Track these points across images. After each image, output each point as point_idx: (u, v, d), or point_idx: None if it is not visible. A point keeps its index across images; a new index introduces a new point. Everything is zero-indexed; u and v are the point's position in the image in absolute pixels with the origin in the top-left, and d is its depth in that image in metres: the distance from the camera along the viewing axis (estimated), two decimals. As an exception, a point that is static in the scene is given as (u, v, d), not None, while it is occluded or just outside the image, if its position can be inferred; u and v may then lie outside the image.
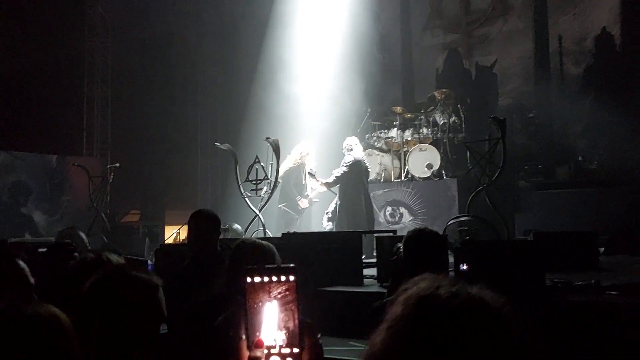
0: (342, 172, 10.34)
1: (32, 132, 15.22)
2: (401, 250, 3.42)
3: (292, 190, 10.92)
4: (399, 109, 13.11)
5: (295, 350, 1.40)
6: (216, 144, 11.46)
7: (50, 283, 3.77)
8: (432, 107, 12.99)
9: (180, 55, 17.31)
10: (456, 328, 1.16)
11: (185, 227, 4.58)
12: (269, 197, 10.23)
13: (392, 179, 12.50)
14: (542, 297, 5.35)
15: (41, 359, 1.54)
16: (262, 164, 10.29)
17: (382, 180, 12.45)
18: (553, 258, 6.61)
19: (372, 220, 10.54)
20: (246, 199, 10.25)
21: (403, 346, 1.19)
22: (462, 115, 12.63)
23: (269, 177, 10.22)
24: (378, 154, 12.62)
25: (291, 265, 1.43)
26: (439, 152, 11.95)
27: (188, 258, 4.43)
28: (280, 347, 1.41)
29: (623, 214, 10.28)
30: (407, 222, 11.71)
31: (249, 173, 10.31)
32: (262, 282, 1.41)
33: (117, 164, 13.25)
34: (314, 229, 11.22)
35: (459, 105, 12.83)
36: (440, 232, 7.39)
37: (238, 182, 10.33)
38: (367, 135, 13.02)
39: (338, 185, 10.54)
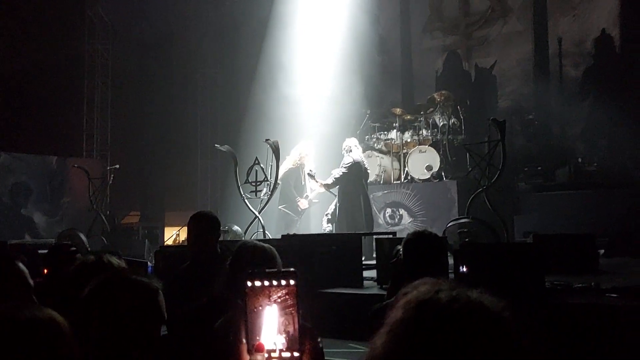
0: (342, 174, 10.33)
1: (32, 133, 15.23)
2: (401, 252, 3.42)
3: (292, 191, 10.91)
4: (398, 111, 13.11)
5: (296, 354, 1.41)
6: (216, 145, 11.46)
7: (51, 284, 3.77)
8: (431, 109, 12.99)
9: (180, 56, 17.31)
10: (456, 332, 1.16)
11: (185, 229, 4.57)
12: (269, 199, 10.22)
13: (392, 181, 12.50)
14: (541, 300, 5.35)
15: None
16: (261, 165, 10.28)
17: (381, 181, 12.45)
18: (552, 260, 6.62)
19: (371, 222, 10.52)
20: (246, 200, 10.25)
21: (403, 350, 1.19)
22: (462, 117, 12.64)
23: (269, 178, 10.22)
24: (378, 156, 12.62)
25: (291, 269, 1.43)
26: (439, 153, 11.94)
27: (188, 260, 4.43)
28: (281, 351, 1.41)
29: (622, 216, 10.28)
30: (406, 224, 11.71)
31: (248, 175, 10.30)
32: (262, 286, 1.41)
33: (117, 166, 13.26)
34: (313, 230, 11.22)
35: (458, 107, 12.83)
36: (440, 234, 7.42)
37: (238, 184, 10.32)
38: (366, 136, 13.02)
39: (337, 187, 10.53)
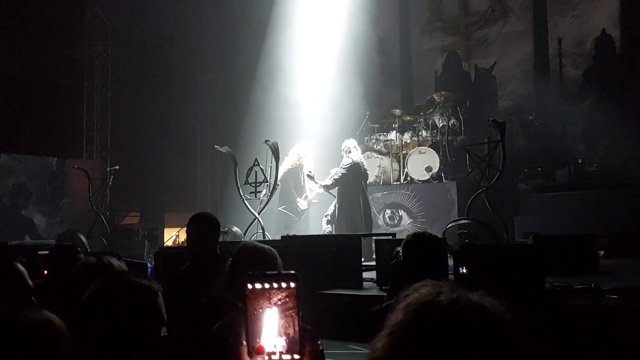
0: (341, 175, 10.33)
1: (32, 134, 15.24)
2: (400, 254, 3.41)
3: (292, 192, 10.91)
4: (398, 112, 13.11)
5: (296, 356, 1.40)
6: (215, 146, 11.46)
7: (52, 285, 3.77)
8: (431, 110, 12.99)
9: (179, 57, 17.32)
10: (457, 334, 1.16)
11: (185, 230, 4.57)
12: (268, 200, 10.23)
13: (391, 182, 12.50)
14: (541, 301, 5.34)
15: None
16: (261, 166, 10.29)
17: (381, 182, 12.45)
18: (553, 261, 6.62)
19: (370, 223, 10.52)
20: (245, 201, 10.25)
21: (404, 352, 1.19)
22: (462, 118, 12.64)
23: (268, 179, 10.23)
24: (377, 157, 12.62)
25: (292, 272, 1.43)
26: (438, 154, 11.94)
27: (188, 261, 4.42)
28: (281, 353, 1.41)
29: (623, 216, 10.28)
30: (406, 225, 11.70)
31: (248, 176, 10.30)
32: (262, 288, 1.41)
33: (117, 167, 13.25)
34: (312, 231, 11.22)
35: (458, 108, 12.83)
36: (440, 235, 7.42)
37: (237, 185, 10.32)
38: (366, 137, 13.02)
39: (337, 188, 10.53)
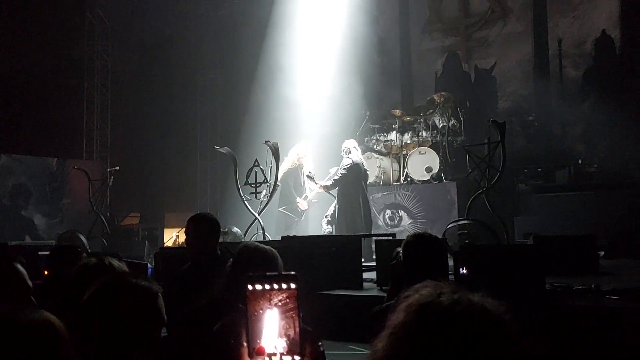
0: (341, 175, 10.33)
1: (32, 135, 15.24)
2: (400, 254, 3.42)
3: (292, 192, 10.91)
4: (398, 112, 13.11)
5: (297, 357, 1.40)
6: (215, 147, 11.46)
7: (52, 286, 3.77)
8: (431, 110, 12.99)
9: (179, 58, 17.32)
10: (457, 335, 1.17)
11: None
12: (268, 200, 10.23)
13: (391, 182, 12.50)
14: (542, 301, 5.34)
15: None
16: (261, 167, 10.29)
17: (381, 183, 12.45)
18: (553, 262, 6.62)
19: (369, 224, 10.52)
20: (245, 202, 10.25)
21: (405, 353, 1.19)
22: (462, 119, 12.64)
23: (268, 180, 10.23)
24: (377, 157, 12.62)
25: (292, 273, 1.43)
26: (438, 155, 11.95)
27: (188, 261, 4.42)
28: (281, 354, 1.41)
29: (623, 217, 10.28)
30: (406, 225, 11.70)
31: (248, 176, 10.31)
32: (263, 289, 1.41)
33: (117, 167, 13.25)
34: (312, 231, 11.21)
35: (458, 109, 12.83)
36: (440, 236, 7.42)
37: (237, 186, 10.33)
38: (366, 138, 13.02)
39: (337, 188, 10.54)
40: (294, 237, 8.90)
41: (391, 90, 15.70)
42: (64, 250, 4.37)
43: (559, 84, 13.97)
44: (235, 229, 11.94)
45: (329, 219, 10.87)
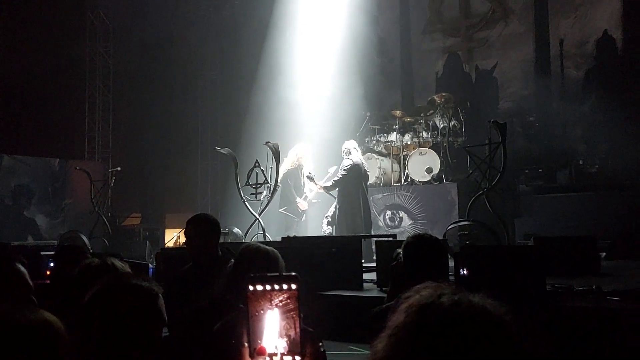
0: (341, 176, 10.34)
1: (34, 136, 15.27)
2: (401, 255, 3.42)
3: (292, 192, 10.92)
4: (398, 113, 13.12)
5: (297, 358, 1.41)
6: (216, 148, 11.48)
7: (55, 286, 3.78)
8: (431, 111, 12.99)
9: (180, 58, 17.33)
10: (458, 336, 1.17)
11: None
12: (269, 201, 10.24)
13: (392, 183, 12.50)
14: (542, 303, 5.34)
15: None
16: (262, 168, 10.29)
17: (381, 184, 12.46)
18: (554, 263, 6.61)
19: (369, 225, 10.53)
20: (246, 202, 10.26)
21: (405, 354, 1.20)
22: (462, 119, 12.63)
23: (269, 181, 10.23)
24: (377, 158, 12.63)
25: (293, 273, 1.44)
26: (439, 156, 11.95)
27: (189, 262, 4.43)
28: (282, 355, 1.41)
29: (624, 217, 10.27)
30: (406, 226, 11.71)
31: (248, 177, 10.31)
32: (263, 290, 1.41)
33: (119, 168, 13.27)
34: (312, 232, 11.21)
35: (458, 109, 12.83)
36: (440, 237, 7.43)
37: (238, 186, 10.34)
38: (366, 139, 13.03)
39: (337, 189, 10.55)
40: (294, 237, 8.91)
41: (391, 91, 15.70)
42: (69, 250, 4.37)
43: (560, 85, 13.96)
44: (235, 230, 11.95)
45: (329, 219, 10.87)
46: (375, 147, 12.99)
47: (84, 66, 17.02)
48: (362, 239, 8.47)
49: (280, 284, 1.41)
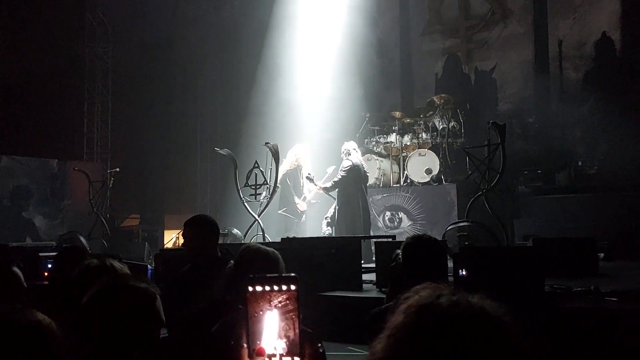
0: (341, 177, 10.35)
1: (33, 137, 15.26)
2: (400, 256, 3.43)
3: (291, 193, 10.93)
4: (397, 114, 13.12)
5: (296, 358, 1.41)
6: (216, 149, 11.49)
7: (55, 287, 3.78)
8: (431, 112, 12.99)
9: (180, 59, 17.32)
10: (456, 337, 1.17)
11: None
12: (268, 202, 10.24)
13: (391, 184, 12.50)
14: (541, 303, 5.35)
15: None
16: (261, 169, 10.30)
17: (381, 185, 12.46)
18: (552, 264, 6.62)
19: (368, 226, 10.53)
20: (245, 203, 10.26)
21: (404, 354, 1.20)
22: (462, 120, 12.63)
23: (268, 182, 10.24)
24: (377, 159, 12.63)
25: (292, 274, 1.44)
26: (438, 157, 11.95)
27: (188, 263, 4.43)
28: (281, 355, 1.42)
29: (623, 219, 10.27)
30: (406, 227, 11.71)
31: (248, 178, 10.32)
32: (263, 290, 1.42)
33: (117, 169, 13.26)
34: (311, 233, 11.22)
35: (458, 110, 12.82)
36: (439, 238, 7.44)
37: (237, 187, 10.34)
38: (366, 140, 13.02)
39: (336, 190, 10.55)
40: (294, 238, 8.92)
41: (391, 92, 15.69)
42: (69, 251, 4.37)
43: (559, 86, 13.96)
44: (235, 231, 11.95)
45: (329, 220, 10.87)
46: (375, 148, 12.99)
47: (83, 67, 17.01)
48: (362, 240, 8.47)
49: (279, 285, 1.41)
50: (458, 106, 12.96)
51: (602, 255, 8.61)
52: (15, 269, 2.80)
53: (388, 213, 12.05)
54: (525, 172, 12.35)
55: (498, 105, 14.48)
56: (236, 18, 16.82)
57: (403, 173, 12.33)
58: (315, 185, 10.66)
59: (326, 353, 2.30)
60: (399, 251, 3.47)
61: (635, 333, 4.68)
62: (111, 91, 17.25)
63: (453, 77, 15.14)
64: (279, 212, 10.93)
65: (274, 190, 10.18)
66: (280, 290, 1.43)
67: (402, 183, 12.30)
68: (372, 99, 14.16)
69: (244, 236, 10.57)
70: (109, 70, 17.28)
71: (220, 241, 4.87)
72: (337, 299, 6.61)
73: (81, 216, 14.33)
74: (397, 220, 11.93)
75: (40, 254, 7.50)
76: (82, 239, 11.60)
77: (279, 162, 10.26)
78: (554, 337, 4.86)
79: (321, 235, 10.81)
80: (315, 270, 6.80)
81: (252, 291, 1.43)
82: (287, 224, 10.89)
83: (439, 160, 11.90)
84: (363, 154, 11.71)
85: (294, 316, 1.42)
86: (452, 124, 12.54)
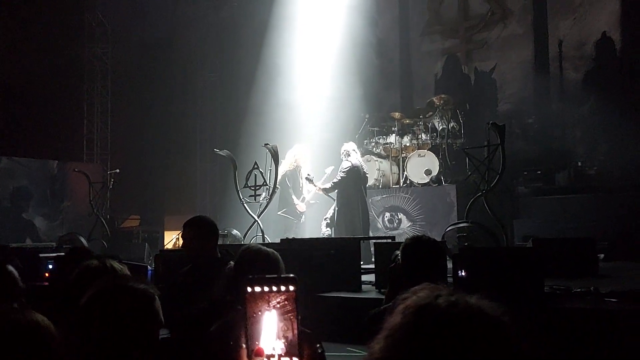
0: (340, 178, 10.36)
1: (33, 138, 15.26)
2: (399, 257, 3.43)
3: (290, 194, 10.92)
4: (397, 115, 13.11)
5: (295, 359, 1.41)
6: (215, 150, 11.49)
7: (54, 287, 3.78)
8: (430, 113, 12.99)
9: (179, 60, 17.32)
10: (455, 337, 1.17)
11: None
12: (268, 203, 10.25)
13: (391, 185, 12.50)
14: (541, 304, 5.34)
15: None
16: (260, 170, 10.30)
17: (380, 186, 12.45)
18: (552, 264, 6.62)
19: (367, 227, 10.53)
20: (245, 204, 10.26)
21: (402, 355, 1.20)
22: (461, 121, 12.62)
23: (268, 183, 10.24)
24: (376, 160, 12.62)
25: (291, 275, 1.44)
26: (438, 158, 11.94)
27: (188, 263, 4.43)
28: (280, 356, 1.42)
29: (622, 219, 10.27)
30: (405, 228, 11.71)
31: (247, 179, 10.32)
32: (262, 291, 1.42)
33: (117, 170, 13.27)
34: (310, 234, 11.22)
35: (457, 111, 12.82)
36: (439, 238, 7.44)
37: (237, 188, 10.34)
38: (365, 141, 13.02)
39: (336, 191, 10.55)
40: (293, 239, 8.92)
41: (390, 92, 15.69)
42: (71, 252, 4.37)
43: (559, 86, 13.95)
44: (234, 232, 11.96)
45: (328, 221, 10.87)
46: (374, 149, 12.98)
47: (82, 67, 17.00)
48: (361, 241, 8.47)
49: (278, 286, 1.41)
50: (458, 107, 12.96)
51: (602, 255, 8.61)
52: (10, 268, 2.80)
53: (387, 214, 12.05)
54: (525, 173, 12.35)
55: (498, 106, 14.47)
56: (236, 18, 16.81)
57: (402, 174, 12.33)
58: (315, 186, 10.66)
59: (325, 353, 2.30)
60: (398, 252, 3.47)
61: (635, 333, 4.68)
62: (111, 92, 17.24)
63: (453, 77, 15.14)
64: (279, 213, 10.92)
65: (274, 191, 10.18)
66: (279, 291, 1.43)
67: (401, 184, 12.30)
68: (372, 99, 14.16)
69: (244, 237, 10.57)
70: (109, 71, 17.27)
71: (220, 242, 4.87)
72: (337, 299, 6.61)
73: (81, 217, 14.35)
74: (397, 221, 11.93)
75: (41, 255, 7.50)
76: (82, 240, 11.60)
77: (278, 163, 10.26)
78: (554, 337, 4.86)
79: (320, 236, 10.80)
80: (315, 271, 6.81)
81: (250, 292, 1.43)
82: (286, 224, 10.89)
83: (439, 161, 11.89)
84: (362, 155, 11.71)
85: (292, 317, 1.42)
86: (451, 124, 12.54)
